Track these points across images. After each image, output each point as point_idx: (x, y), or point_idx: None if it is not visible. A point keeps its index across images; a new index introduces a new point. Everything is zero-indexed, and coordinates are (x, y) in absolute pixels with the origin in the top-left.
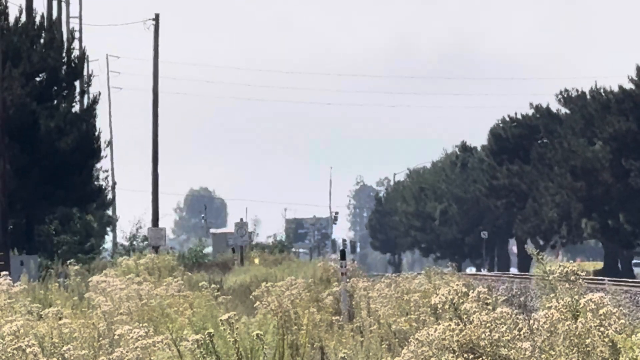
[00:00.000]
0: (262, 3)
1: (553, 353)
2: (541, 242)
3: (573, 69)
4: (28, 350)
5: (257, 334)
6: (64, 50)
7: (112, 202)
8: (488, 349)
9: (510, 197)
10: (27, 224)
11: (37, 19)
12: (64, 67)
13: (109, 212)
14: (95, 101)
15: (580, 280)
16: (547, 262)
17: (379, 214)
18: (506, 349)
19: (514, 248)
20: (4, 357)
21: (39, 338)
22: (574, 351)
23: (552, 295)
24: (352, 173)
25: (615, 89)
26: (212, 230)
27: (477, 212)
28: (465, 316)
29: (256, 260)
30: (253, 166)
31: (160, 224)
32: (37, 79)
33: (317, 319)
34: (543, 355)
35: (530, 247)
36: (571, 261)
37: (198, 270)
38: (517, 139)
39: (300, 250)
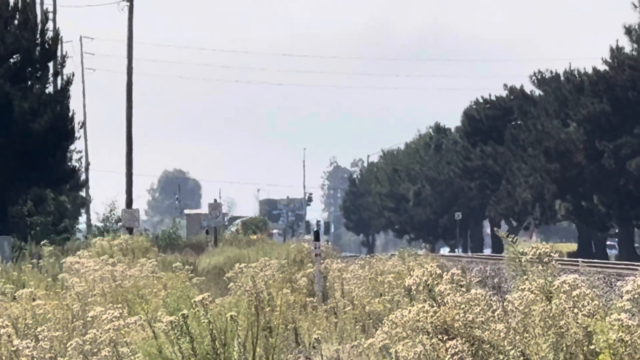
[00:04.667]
0: None
1: (527, 335)
2: (515, 224)
3: (547, 50)
4: (2, 331)
5: (231, 316)
6: (38, 32)
7: (86, 184)
8: (462, 331)
9: (483, 179)
10: (0, 205)
11: (11, 0)
12: (38, 48)
13: (83, 193)
14: (69, 82)
15: (554, 262)
16: (517, 244)
17: (353, 195)
18: (480, 331)
19: (487, 229)
20: None
21: (12, 319)
22: (548, 333)
23: (524, 277)
24: (326, 154)
25: (589, 70)
26: (186, 211)
27: (451, 193)
28: (439, 297)
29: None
30: (227, 147)
31: (134, 206)
32: (11, 60)
33: (291, 300)
34: (517, 337)
35: (500, 231)
36: (544, 242)
37: (172, 251)
38: (490, 120)
39: (274, 231)
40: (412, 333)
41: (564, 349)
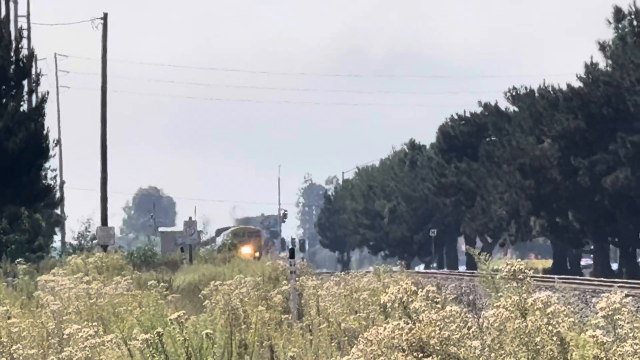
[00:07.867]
0: (211, 2)
1: (502, 352)
2: (490, 240)
3: (522, 67)
4: None
5: (206, 334)
6: (12, 49)
7: (61, 201)
8: (438, 348)
9: (458, 195)
10: None
11: None
12: (12, 66)
13: (58, 211)
14: (43, 100)
15: (528, 279)
16: (489, 261)
17: (328, 212)
18: (456, 348)
19: (462, 246)
20: None
21: None
22: (523, 350)
23: (498, 294)
24: (301, 171)
25: (564, 87)
26: (160, 229)
27: (426, 210)
28: (414, 315)
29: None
30: (201, 165)
31: (109, 223)
32: None
33: (266, 317)
34: (492, 354)
35: (471, 249)
36: (519, 259)
37: (147, 269)
38: (465, 137)
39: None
40: (387, 350)
41: None
